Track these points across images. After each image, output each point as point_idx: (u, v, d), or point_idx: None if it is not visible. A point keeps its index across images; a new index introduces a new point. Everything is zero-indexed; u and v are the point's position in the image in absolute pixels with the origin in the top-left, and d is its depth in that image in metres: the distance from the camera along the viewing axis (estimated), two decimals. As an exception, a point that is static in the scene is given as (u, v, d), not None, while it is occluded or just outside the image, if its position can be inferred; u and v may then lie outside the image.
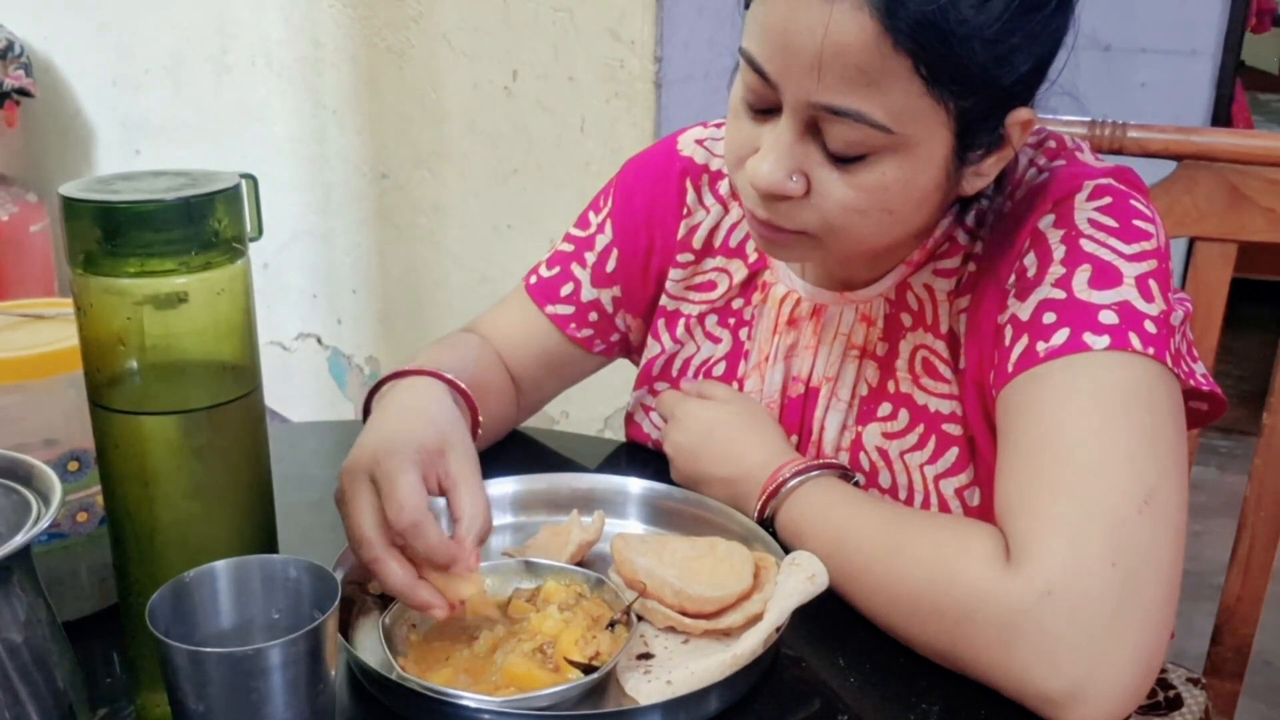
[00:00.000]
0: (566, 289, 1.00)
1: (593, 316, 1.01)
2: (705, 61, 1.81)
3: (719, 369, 0.98)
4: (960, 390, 0.85)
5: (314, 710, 0.57)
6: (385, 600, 0.76)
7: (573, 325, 1.01)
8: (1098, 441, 0.71)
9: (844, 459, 0.90)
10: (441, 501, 0.75)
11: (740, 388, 0.96)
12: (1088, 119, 1.10)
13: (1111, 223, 0.78)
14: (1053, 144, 0.85)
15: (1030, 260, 0.79)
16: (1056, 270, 0.77)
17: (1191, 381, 0.82)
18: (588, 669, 0.68)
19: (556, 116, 1.88)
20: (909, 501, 0.87)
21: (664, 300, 1.00)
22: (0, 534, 0.57)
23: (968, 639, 0.69)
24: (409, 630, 0.73)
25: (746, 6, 0.76)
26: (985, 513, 0.83)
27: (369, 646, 0.72)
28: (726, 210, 0.97)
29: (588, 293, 1.00)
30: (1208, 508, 2.56)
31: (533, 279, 1.02)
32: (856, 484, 0.86)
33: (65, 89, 2.82)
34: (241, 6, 2.35)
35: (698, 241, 0.98)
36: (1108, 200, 0.79)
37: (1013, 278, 0.79)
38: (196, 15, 2.44)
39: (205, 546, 0.63)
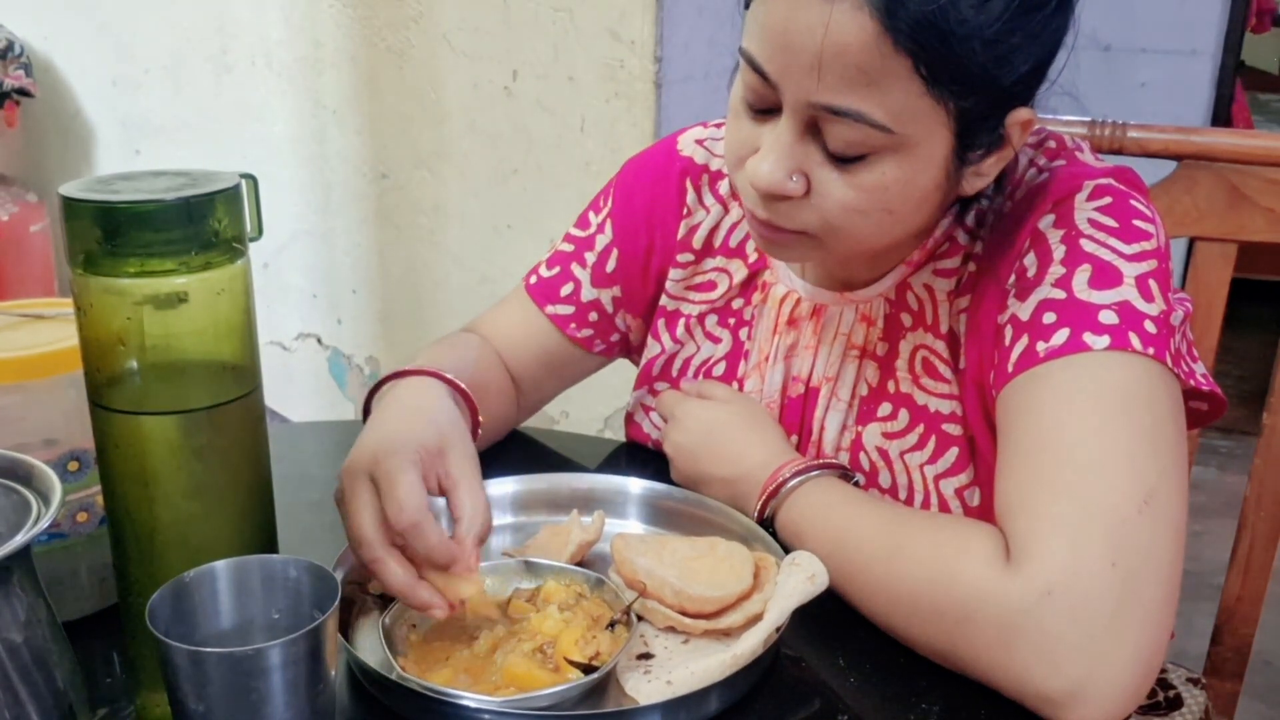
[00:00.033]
0: (566, 289, 1.00)
1: (593, 316, 1.01)
2: (705, 61, 1.81)
3: (719, 369, 0.98)
4: (960, 390, 0.85)
5: (314, 710, 0.57)
6: (385, 600, 0.76)
7: (573, 325, 1.01)
8: (1098, 441, 0.71)
9: (844, 459, 0.90)
10: (441, 501, 0.75)
11: (740, 388, 0.96)
12: (1088, 119, 1.10)
13: (1111, 223, 0.78)
14: (1053, 144, 0.85)
15: (1030, 260, 0.79)
16: (1056, 270, 0.77)
17: (1192, 381, 0.82)
18: (588, 669, 0.68)
19: (556, 116, 1.88)
20: (909, 501, 0.87)
21: (664, 300, 1.00)
22: (0, 534, 0.57)
23: (968, 639, 0.69)
24: (409, 630, 0.73)
25: (746, 6, 0.76)
26: (985, 513, 0.83)
27: (369, 646, 0.72)
28: (726, 210, 0.97)
29: (588, 293, 1.00)
30: (1208, 508, 2.56)
31: (533, 279, 1.02)
32: (856, 484, 0.86)
33: (65, 89, 2.82)
34: (241, 6, 2.35)
35: (698, 241, 0.98)
36: (1108, 200, 0.79)
37: (1013, 278, 0.79)
38: (196, 15, 2.44)
39: (205, 546, 0.63)
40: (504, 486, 0.89)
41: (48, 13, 2.77)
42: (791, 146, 0.75)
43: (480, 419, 0.88)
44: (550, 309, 1.00)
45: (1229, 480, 2.76)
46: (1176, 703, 1.09)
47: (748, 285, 0.97)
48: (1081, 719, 0.66)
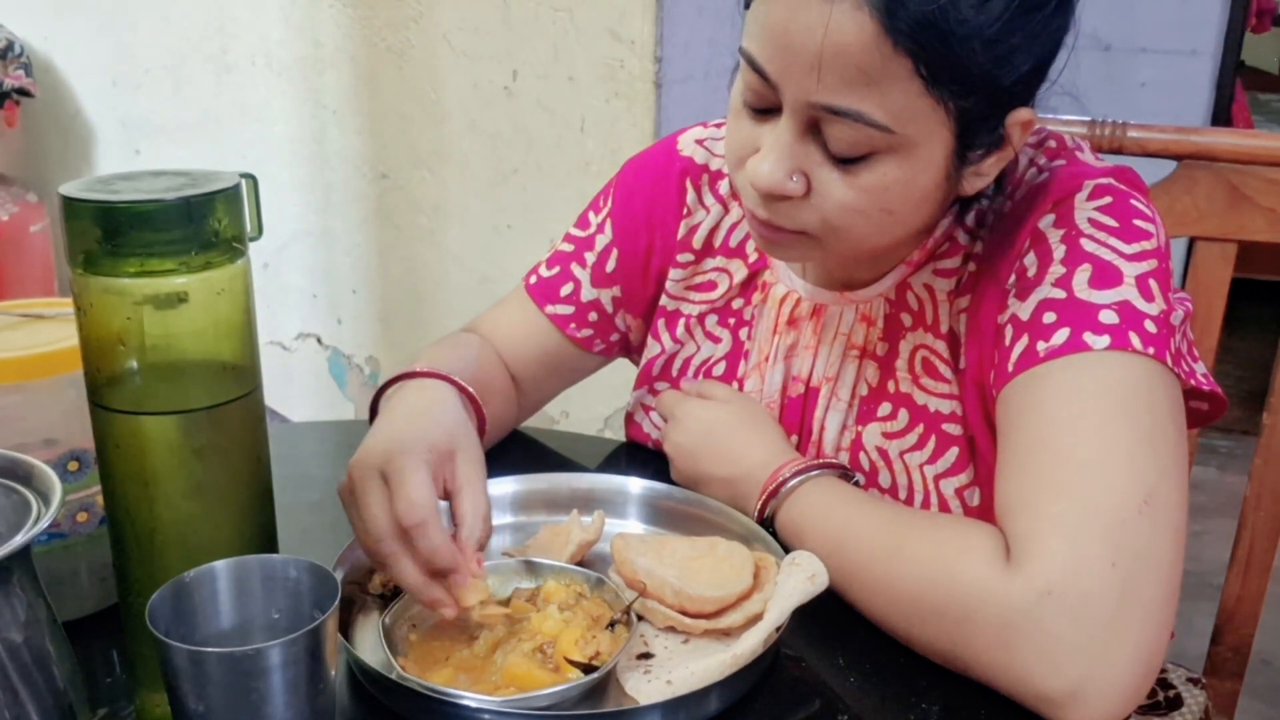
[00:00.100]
0: (566, 289, 1.00)
1: (592, 316, 1.01)
2: (705, 61, 1.81)
3: (719, 369, 0.98)
4: (960, 390, 0.85)
5: (314, 710, 0.57)
6: (385, 600, 0.76)
7: (573, 325, 1.01)
8: (1098, 441, 0.71)
9: (844, 459, 0.90)
10: (443, 504, 0.75)
11: (740, 388, 0.96)
12: (1088, 119, 1.10)
13: (1112, 222, 0.78)
14: (1053, 144, 0.85)
15: (1030, 260, 0.79)
16: (1057, 270, 0.77)
17: (1192, 381, 0.82)
18: (588, 669, 0.68)
19: (556, 116, 1.88)
20: (909, 501, 0.87)
21: (664, 300, 1.00)
22: (0, 534, 0.57)
23: (968, 639, 0.69)
24: (409, 630, 0.73)
25: (746, 6, 0.76)
26: (985, 513, 0.83)
27: (369, 646, 0.72)
28: (726, 210, 0.97)
29: (588, 293, 1.00)
30: (1208, 508, 2.56)
31: (533, 279, 1.02)
32: (856, 484, 0.86)
33: (65, 89, 2.82)
34: (241, 6, 2.35)
35: (698, 241, 0.98)
36: (1108, 200, 0.79)
37: (1013, 277, 0.79)
38: (196, 15, 2.44)
39: (205, 546, 0.63)
40: (504, 486, 0.89)
41: (48, 13, 2.77)
42: (791, 146, 0.75)
43: (486, 421, 0.88)
44: (550, 309, 1.00)
45: (1229, 480, 2.76)
46: (1176, 703, 1.09)
47: (748, 285, 0.97)
48: (1081, 719, 0.66)
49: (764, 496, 0.84)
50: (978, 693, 0.70)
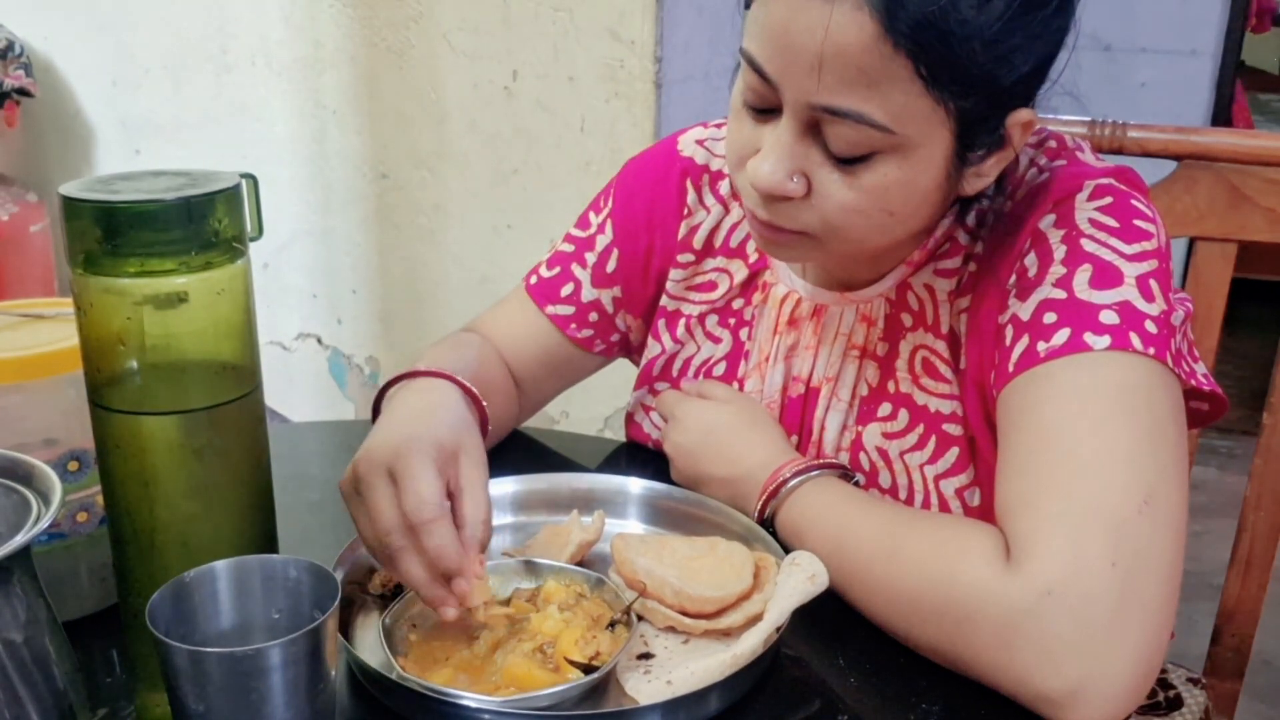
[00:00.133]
0: (567, 289, 1.00)
1: (593, 317, 1.01)
2: (705, 61, 1.81)
3: (719, 369, 0.98)
4: (960, 390, 0.85)
5: (314, 710, 0.57)
6: (385, 600, 0.76)
7: (573, 325, 1.01)
8: (1098, 441, 0.71)
9: (844, 459, 0.90)
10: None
11: (740, 388, 0.96)
12: (1088, 119, 1.10)
13: (1112, 223, 0.78)
14: (1053, 144, 0.85)
15: (1031, 260, 0.79)
16: (1057, 270, 0.77)
17: (1192, 381, 0.82)
18: (588, 669, 0.68)
19: (556, 116, 1.88)
20: (909, 501, 0.87)
21: (664, 300, 1.00)
22: (0, 534, 0.57)
23: (968, 639, 0.69)
24: (409, 630, 0.73)
25: (747, 7, 0.76)
26: (985, 513, 0.83)
27: (369, 646, 0.72)
28: (727, 210, 0.97)
29: (588, 293, 1.00)
30: (1208, 508, 2.56)
31: (533, 279, 1.02)
32: (857, 484, 0.86)
33: (65, 89, 2.82)
34: (241, 6, 2.35)
35: (698, 242, 0.98)
36: (1108, 200, 0.79)
37: (1013, 278, 0.79)
38: (196, 15, 2.44)
39: (205, 546, 0.63)
40: (504, 486, 0.89)
41: (48, 13, 2.77)
42: (792, 147, 0.75)
43: (488, 421, 0.88)
44: (550, 309, 1.00)
45: (1229, 480, 2.76)
46: (1176, 703, 1.09)
47: (748, 285, 0.97)
48: (1082, 719, 0.66)
49: (764, 496, 0.84)
50: (978, 693, 0.70)
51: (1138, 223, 0.78)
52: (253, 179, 0.64)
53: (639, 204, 0.99)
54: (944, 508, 0.86)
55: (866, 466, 0.89)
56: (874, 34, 0.68)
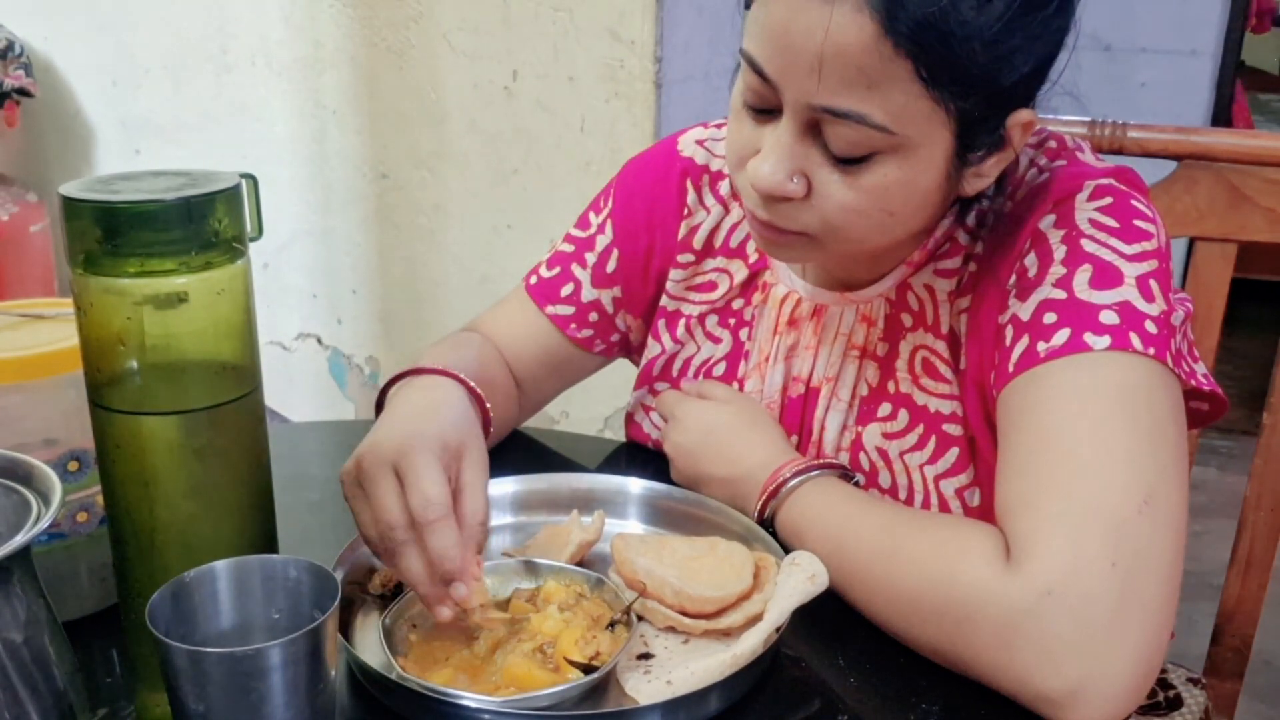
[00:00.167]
0: (567, 289, 1.00)
1: (593, 317, 1.01)
2: (705, 61, 1.81)
3: (719, 369, 0.98)
4: (960, 390, 0.85)
5: (314, 710, 0.57)
6: (385, 600, 0.76)
7: (573, 326, 1.01)
8: (1098, 441, 0.71)
9: (844, 459, 0.90)
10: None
11: (740, 388, 0.96)
12: (1088, 119, 1.10)
13: (1112, 223, 0.78)
14: (1053, 144, 0.85)
15: (1031, 260, 0.79)
16: (1057, 270, 0.77)
17: (1192, 381, 0.82)
18: (588, 669, 0.68)
19: (556, 116, 1.88)
20: (909, 502, 0.87)
21: (664, 300, 1.00)
22: (0, 534, 0.57)
23: (968, 639, 0.69)
24: (409, 630, 0.73)
25: (747, 7, 0.76)
26: (985, 513, 0.83)
27: (369, 646, 0.72)
28: (727, 211, 0.97)
29: (588, 293, 1.00)
30: (1208, 508, 2.56)
31: (533, 279, 1.02)
32: (856, 484, 0.86)
33: (65, 89, 2.82)
34: (241, 6, 2.35)
35: (698, 242, 0.98)
36: (1108, 200, 0.79)
37: (1013, 278, 0.79)
38: (196, 15, 2.44)
39: (205, 546, 0.63)
40: (504, 486, 0.89)
41: (48, 13, 2.77)
42: (792, 148, 0.75)
43: (490, 421, 0.88)
44: (550, 309, 1.00)
45: (1229, 480, 2.76)
46: (1176, 703, 1.09)
47: (748, 285, 0.97)
48: (1082, 719, 0.66)
49: (764, 497, 0.84)
50: (978, 693, 0.70)
51: (1138, 223, 0.78)
52: (253, 179, 0.64)
53: (639, 204, 0.99)
54: (944, 508, 0.86)
55: (866, 466, 0.89)
56: (874, 35, 0.68)
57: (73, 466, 0.73)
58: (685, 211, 0.98)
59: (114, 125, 2.75)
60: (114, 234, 0.58)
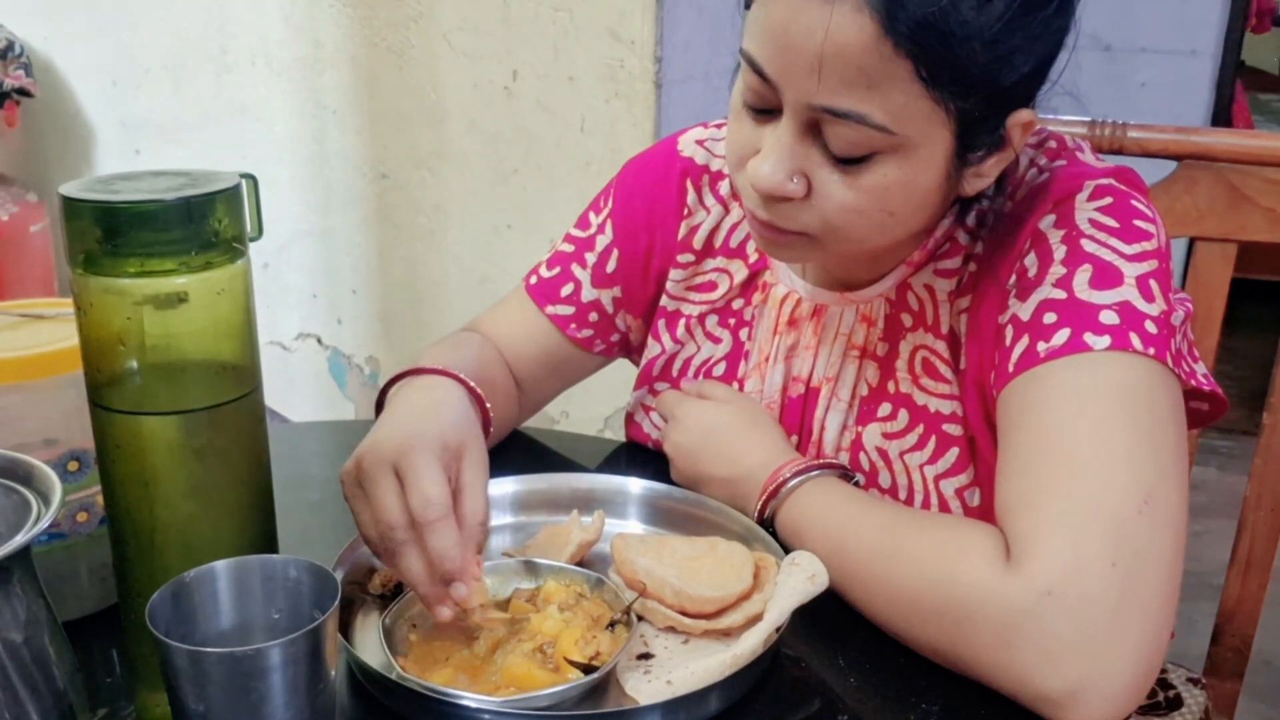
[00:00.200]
0: (567, 289, 1.00)
1: (593, 317, 1.01)
2: (705, 61, 1.81)
3: (719, 369, 0.98)
4: (960, 390, 0.85)
5: (314, 710, 0.57)
6: (385, 600, 0.76)
7: (573, 326, 1.01)
8: (1098, 441, 0.71)
9: (844, 459, 0.90)
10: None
11: (740, 388, 0.96)
12: (1088, 119, 1.10)
13: (1112, 223, 0.78)
14: (1053, 144, 0.85)
15: (1031, 260, 0.79)
16: (1057, 270, 0.77)
17: (1192, 381, 0.82)
18: (588, 669, 0.68)
19: (556, 116, 1.88)
20: (909, 502, 0.87)
21: (664, 300, 1.00)
22: (0, 534, 0.57)
23: (968, 639, 0.69)
24: (409, 630, 0.73)
25: (747, 7, 0.76)
26: (985, 513, 0.83)
27: (369, 646, 0.72)
28: (727, 211, 0.97)
29: (588, 293, 1.00)
30: (1208, 508, 2.56)
31: (533, 279, 1.02)
32: (856, 484, 0.86)
33: (65, 89, 2.82)
34: (241, 6, 2.35)
35: (698, 242, 0.98)
36: (1108, 200, 0.79)
37: (1013, 278, 0.79)
38: (196, 15, 2.44)
39: (205, 546, 0.63)
40: (504, 486, 0.89)
41: (48, 13, 2.77)
42: (792, 148, 0.75)
43: (491, 421, 0.88)
44: (550, 309, 1.00)
45: (1229, 480, 2.76)
46: (1176, 703, 1.09)
47: (748, 285, 0.97)
48: (1082, 719, 0.66)
49: (764, 497, 0.84)
50: (978, 693, 0.70)
51: (1138, 223, 0.78)
52: (253, 179, 0.64)
53: (639, 204, 0.99)
54: (944, 508, 0.86)
55: (866, 466, 0.89)
56: (874, 35, 0.68)
57: (73, 466, 0.73)
58: (685, 211, 0.98)
59: (114, 125, 2.75)
60: (114, 234, 0.58)
